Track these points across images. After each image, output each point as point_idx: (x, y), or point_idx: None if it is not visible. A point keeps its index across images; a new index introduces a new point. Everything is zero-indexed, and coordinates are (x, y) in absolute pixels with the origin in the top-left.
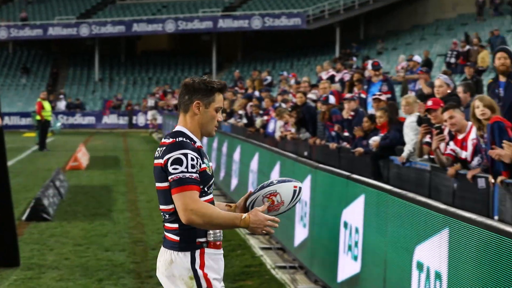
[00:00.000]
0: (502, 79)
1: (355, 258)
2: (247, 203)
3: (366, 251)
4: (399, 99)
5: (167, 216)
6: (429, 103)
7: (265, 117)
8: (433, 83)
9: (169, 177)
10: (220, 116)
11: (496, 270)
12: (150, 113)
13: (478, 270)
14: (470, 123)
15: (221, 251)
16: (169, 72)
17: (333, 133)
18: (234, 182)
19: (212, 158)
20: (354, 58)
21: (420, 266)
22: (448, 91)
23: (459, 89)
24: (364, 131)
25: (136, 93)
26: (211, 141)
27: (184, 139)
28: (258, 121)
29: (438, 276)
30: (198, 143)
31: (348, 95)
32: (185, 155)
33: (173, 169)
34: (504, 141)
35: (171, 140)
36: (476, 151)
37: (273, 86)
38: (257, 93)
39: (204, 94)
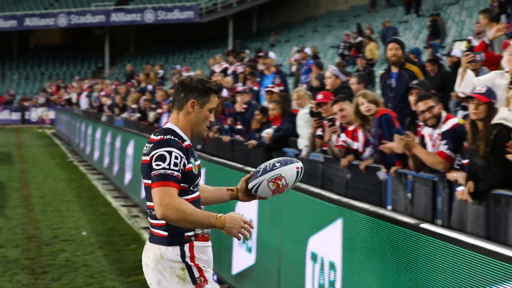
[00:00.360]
0: (394, 70)
1: (250, 250)
2: (250, 187)
3: (260, 243)
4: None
5: (153, 212)
6: (319, 96)
7: (158, 111)
8: (323, 75)
9: (151, 173)
10: (212, 117)
11: (389, 259)
12: (40, 110)
13: (372, 260)
14: None
15: (209, 243)
16: (62, 66)
17: (226, 126)
18: (128, 176)
19: (105, 153)
20: (247, 51)
21: (314, 256)
22: (338, 82)
23: (353, 81)
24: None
25: (29, 88)
26: (104, 135)
27: (172, 137)
28: (151, 115)
29: (332, 266)
30: (187, 142)
31: (240, 88)
32: (170, 152)
33: (156, 165)
34: (395, 135)
35: (159, 137)
36: (367, 141)
37: (166, 80)
38: (150, 87)
39: (200, 94)
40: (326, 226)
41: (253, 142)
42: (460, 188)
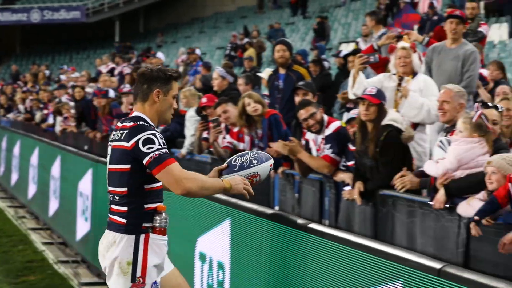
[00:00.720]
0: (282, 71)
1: None
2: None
3: None
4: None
5: (117, 198)
6: (203, 100)
7: (45, 111)
8: (206, 77)
9: (146, 158)
10: (175, 104)
11: (278, 259)
12: None
13: (260, 259)
14: None
15: (165, 237)
16: None
17: (113, 127)
18: (14, 177)
19: None
20: (135, 52)
21: (202, 257)
22: (225, 83)
23: (240, 82)
24: None
25: None
26: None
27: (144, 123)
28: (38, 116)
29: (220, 266)
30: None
31: (126, 89)
32: (154, 134)
33: (148, 148)
34: (279, 141)
35: (132, 123)
36: (253, 143)
37: (52, 80)
38: (37, 87)
39: (163, 82)
40: (215, 227)
41: None
42: (347, 188)
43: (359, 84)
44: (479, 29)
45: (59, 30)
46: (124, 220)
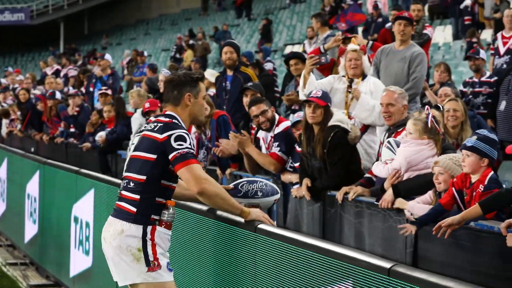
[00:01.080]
0: (229, 72)
1: (87, 252)
2: None
3: (97, 245)
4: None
5: (132, 184)
6: (147, 105)
7: None
8: (152, 80)
9: (173, 152)
10: (205, 104)
11: (228, 260)
12: None
13: (210, 260)
14: None
15: (170, 232)
16: None
17: (60, 129)
18: None
19: None
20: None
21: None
22: None
23: None
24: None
25: None
26: None
27: (178, 123)
28: None
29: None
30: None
31: (72, 91)
32: (186, 134)
33: (178, 145)
34: (230, 132)
35: (167, 119)
36: (200, 144)
37: None
38: None
39: (192, 85)
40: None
41: (87, 144)
42: (295, 186)
43: (310, 85)
44: (424, 31)
45: (4, 32)
46: (134, 209)
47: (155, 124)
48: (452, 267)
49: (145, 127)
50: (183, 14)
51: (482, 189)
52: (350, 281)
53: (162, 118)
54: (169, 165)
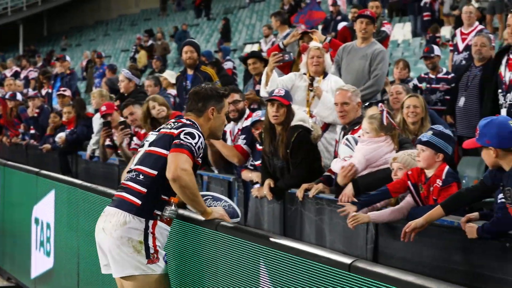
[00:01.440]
0: (190, 72)
1: (48, 254)
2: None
3: (58, 246)
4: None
5: (141, 177)
6: (103, 108)
7: None
8: (112, 80)
9: (176, 140)
10: (226, 121)
11: (191, 259)
12: None
13: (181, 260)
14: None
15: (169, 228)
16: None
17: (20, 131)
18: None
19: None
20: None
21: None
22: (132, 85)
23: (148, 83)
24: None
25: None
26: None
27: (198, 129)
28: None
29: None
30: None
31: (31, 93)
32: (200, 136)
33: (185, 137)
34: None
35: (189, 122)
36: None
37: None
38: None
39: (217, 100)
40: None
41: (47, 146)
42: (256, 185)
43: (273, 82)
44: (382, 28)
45: None
46: (139, 202)
47: (176, 123)
48: (413, 263)
49: (163, 126)
50: (142, 15)
51: (440, 184)
52: (311, 277)
53: (184, 121)
54: None
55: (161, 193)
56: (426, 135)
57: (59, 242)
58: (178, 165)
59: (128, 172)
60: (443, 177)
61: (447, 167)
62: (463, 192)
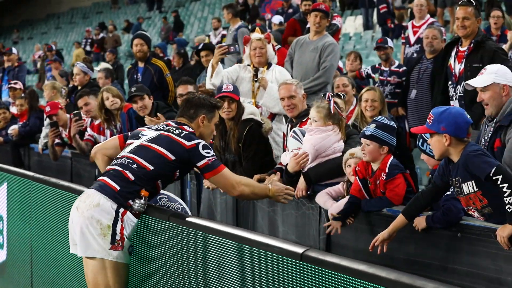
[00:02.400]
0: (141, 64)
1: (1, 246)
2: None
3: (11, 238)
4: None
5: (134, 166)
6: (47, 108)
7: None
8: (66, 72)
9: (203, 160)
10: (215, 131)
11: (143, 251)
12: None
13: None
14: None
15: (136, 221)
16: None
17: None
18: None
19: None
20: None
21: None
22: (87, 78)
23: (100, 75)
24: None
25: None
26: None
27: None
28: None
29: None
30: None
31: None
32: (206, 144)
33: (206, 152)
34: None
35: (190, 129)
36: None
37: None
38: None
39: (208, 109)
40: None
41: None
42: None
43: (218, 74)
44: (333, 21)
45: None
46: (118, 187)
47: (179, 130)
48: (365, 253)
49: (163, 127)
50: (94, 8)
51: (384, 177)
52: (263, 267)
53: (185, 127)
54: (176, 171)
55: (142, 188)
56: (369, 129)
57: (11, 235)
58: (232, 184)
59: (118, 158)
60: (387, 170)
61: (390, 159)
62: (419, 197)
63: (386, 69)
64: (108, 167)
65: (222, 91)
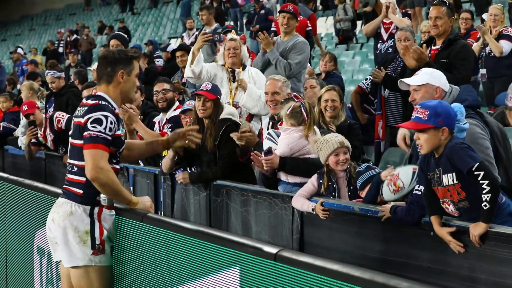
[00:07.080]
0: None
1: None
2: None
3: None
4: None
5: (75, 169)
6: (24, 107)
7: None
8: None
9: (85, 133)
10: (137, 82)
11: (119, 250)
12: None
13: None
14: None
15: (114, 212)
16: None
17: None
18: None
19: None
20: None
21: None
22: (62, 82)
23: (73, 78)
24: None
25: None
26: None
27: (106, 103)
28: None
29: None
30: (117, 110)
31: None
32: (106, 117)
33: (92, 126)
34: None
35: (93, 102)
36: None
37: None
38: None
39: (125, 63)
40: None
41: None
42: (179, 171)
43: (198, 62)
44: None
45: None
46: (80, 191)
47: (83, 108)
48: (338, 252)
49: (77, 111)
50: (68, 10)
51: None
52: (237, 267)
53: (90, 101)
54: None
55: None
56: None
57: None
58: (94, 164)
59: (67, 164)
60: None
61: None
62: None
63: None
64: (66, 174)
65: (200, 89)
